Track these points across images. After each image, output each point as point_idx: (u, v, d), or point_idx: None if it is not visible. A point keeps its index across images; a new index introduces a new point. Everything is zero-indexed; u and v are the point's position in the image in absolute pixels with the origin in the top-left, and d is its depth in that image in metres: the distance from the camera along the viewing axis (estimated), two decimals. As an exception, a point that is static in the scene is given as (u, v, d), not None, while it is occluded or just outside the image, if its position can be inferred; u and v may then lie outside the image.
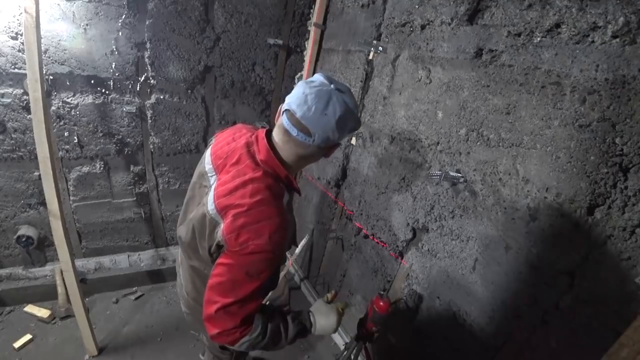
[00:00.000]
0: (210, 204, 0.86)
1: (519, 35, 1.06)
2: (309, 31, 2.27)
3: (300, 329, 0.98)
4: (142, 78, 2.01)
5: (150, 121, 2.14)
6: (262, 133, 0.93)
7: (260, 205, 0.82)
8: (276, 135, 0.90)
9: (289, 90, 2.50)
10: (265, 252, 0.82)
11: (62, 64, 1.80)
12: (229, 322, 0.84)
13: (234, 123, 2.40)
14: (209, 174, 0.95)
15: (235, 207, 0.82)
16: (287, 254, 2.77)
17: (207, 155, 0.99)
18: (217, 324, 0.85)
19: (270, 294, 2.47)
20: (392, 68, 1.60)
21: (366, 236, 1.84)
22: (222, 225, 0.83)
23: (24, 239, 2.07)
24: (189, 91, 2.17)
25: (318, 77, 0.87)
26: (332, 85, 0.83)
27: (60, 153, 2.00)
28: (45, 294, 2.22)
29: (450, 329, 1.37)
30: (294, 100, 0.82)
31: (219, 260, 0.85)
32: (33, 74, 1.32)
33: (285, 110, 0.85)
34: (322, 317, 1.03)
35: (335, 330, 1.04)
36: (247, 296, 0.83)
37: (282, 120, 0.86)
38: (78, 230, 2.28)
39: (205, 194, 0.92)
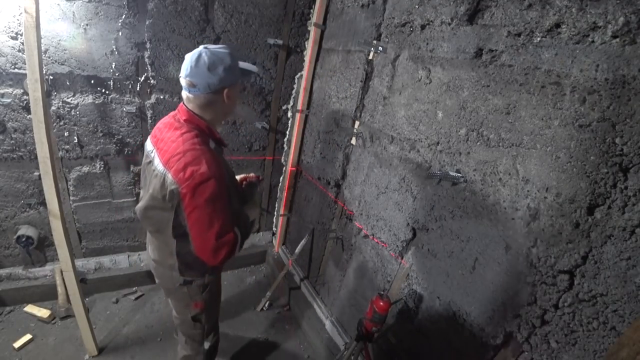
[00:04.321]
0: (158, 164, 1.09)
1: (519, 35, 1.06)
2: (309, 31, 2.27)
3: (246, 223, 1.27)
4: (142, 78, 2.01)
5: (150, 121, 2.14)
6: (181, 104, 1.17)
7: (192, 148, 1.04)
8: (184, 101, 1.15)
9: (289, 90, 2.50)
10: (209, 179, 1.02)
11: (62, 64, 1.80)
12: (226, 244, 1.08)
13: (234, 123, 2.41)
14: (150, 151, 1.18)
15: (175, 156, 1.04)
16: (288, 254, 2.77)
17: (147, 142, 1.24)
18: (222, 249, 1.08)
19: (269, 294, 2.48)
20: (392, 68, 1.60)
21: (366, 236, 1.84)
22: (170, 172, 1.03)
23: (24, 239, 2.07)
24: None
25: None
26: (200, 48, 1.07)
27: (60, 153, 2.00)
28: (45, 294, 2.22)
29: (450, 329, 1.37)
30: (181, 68, 1.09)
31: (186, 214, 1.05)
32: (33, 74, 1.32)
33: (179, 78, 1.10)
34: (251, 211, 1.32)
35: (259, 212, 1.35)
36: (222, 221, 1.06)
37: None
38: (78, 230, 2.28)
39: (152, 163, 1.12)
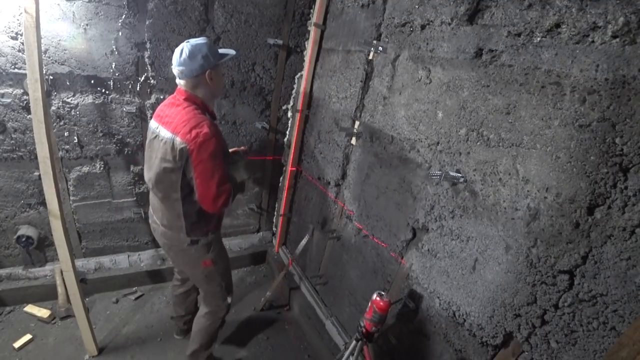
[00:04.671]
0: (165, 133, 1.33)
1: (519, 35, 1.06)
2: (309, 31, 2.27)
3: (235, 182, 1.51)
4: (142, 78, 2.01)
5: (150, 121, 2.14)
6: (178, 88, 1.42)
7: (194, 116, 1.32)
8: (180, 86, 1.42)
9: (288, 90, 2.50)
10: (211, 137, 1.28)
11: (62, 64, 1.80)
12: (224, 192, 1.36)
13: (234, 123, 2.41)
14: (155, 128, 1.41)
15: (181, 122, 1.30)
16: (288, 254, 2.77)
17: (151, 122, 1.47)
18: (221, 196, 1.36)
19: (268, 294, 2.48)
20: (392, 68, 1.60)
21: (366, 236, 1.84)
22: (178, 136, 1.28)
23: (24, 239, 2.07)
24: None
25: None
26: (185, 42, 1.35)
27: (60, 153, 2.00)
28: (45, 294, 2.22)
29: (450, 329, 1.38)
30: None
31: (193, 167, 1.30)
32: (33, 74, 1.32)
33: (172, 68, 1.38)
34: (237, 173, 1.55)
35: (249, 174, 1.61)
36: (222, 173, 1.34)
37: None
38: (78, 230, 2.28)
39: (159, 136, 1.37)
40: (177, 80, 1.40)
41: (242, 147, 1.75)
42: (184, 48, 1.33)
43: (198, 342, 1.76)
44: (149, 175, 1.45)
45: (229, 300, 1.72)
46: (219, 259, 1.62)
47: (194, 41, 1.35)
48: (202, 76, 1.36)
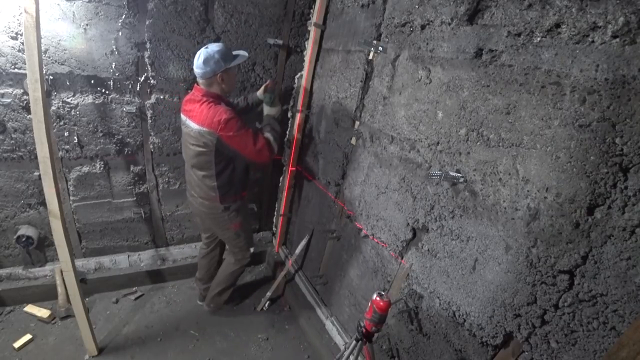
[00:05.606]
0: (194, 125, 1.68)
1: (519, 35, 1.06)
2: (309, 31, 2.27)
3: (274, 123, 1.92)
4: (142, 78, 2.01)
5: (150, 121, 2.14)
6: (196, 85, 1.74)
7: (212, 107, 1.65)
8: (199, 84, 1.75)
9: (289, 90, 2.50)
10: (230, 119, 1.63)
11: (62, 64, 1.80)
12: (262, 146, 1.73)
13: (234, 123, 2.41)
14: (184, 120, 1.77)
15: (204, 116, 1.64)
16: (288, 254, 2.77)
17: (181, 115, 1.82)
18: (262, 150, 1.74)
19: (268, 294, 2.48)
20: (392, 68, 1.60)
21: (366, 236, 1.84)
22: (204, 127, 1.64)
23: (24, 239, 2.08)
24: (189, 91, 2.17)
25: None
26: (203, 47, 1.64)
27: (60, 153, 2.00)
28: (45, 294, 2.22)
29: (450, 329, 1.38)
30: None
31: (229, 145, 1.68)
32: (33, 74, 1.32)
33: (193, 68, 1.69)
34: (269, 111, 1.97)
35: (280, 110, 2.02)
36: (252, 136, 1.71)
37: None
38: (78, 230, 2.28)
39: (188, 127, 1.73)
40: (198, 79, 1.72)
41: (269, 81, 1.99)
42: (201, 54, 1.62)
43: (225, 283, 2.27)
44: (186, 157, 1.85)
45: (252, 250, 2.23)
46: (245, 222, 2.07)
47: (210, 48, 1.62)
48: (214, 77, 1.67)
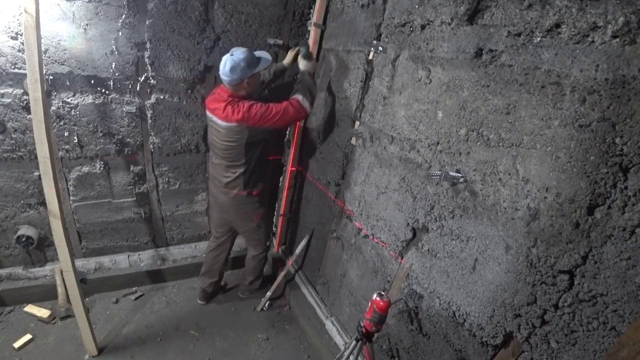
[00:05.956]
0: (221, 122, 1.82)
1: (519, 35, 1.06)
2: (309, 31, 2.27)
3: (307, 79, 1.93)
4: (142, 78, 2.01)
5: (150, 121, 2.14)
6: (222, 86, 1.85)
7: (235, 104, 1.78)
8: (224, 86, 1.84)
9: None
10: (250, 106, 1.76)
11: (62, 64, 1.80)
12: (293, 109, 1.82)
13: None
14: (210, 117, 1.90)
15: (229, 112, 1.77)
16: (288, 254, 2.77)
17: (207, 112, 1.95)
18: (296, 113, 1.83)
19: (268, 294, 2.48)
20: (392, 68, 1.60)
21: (366, 236, 1.84)
22: (232, 122, 1.78)
23: (24, 239, 2.08)
24: (189, 91, 2.17)
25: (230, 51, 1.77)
26: (228, 54, 1.73)
27: (60, 153, 2.00)
28: (45, 294, 2.22)
29: (450, 329, 1.38)
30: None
31: (263, 126, 1.80)
32: (33, 74, 1.32)
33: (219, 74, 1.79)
34: (305, 66, 1.97)
35: (315, 65, 2.08)
36: (275, 109, 1.79)
37: None
38: (78, 230, 2.28)
39: (215, 123, 1.86)
40: (225, 83, 1.81)
41: (295, 50, 2.06)
42: (227, 61, 1.70)
43: (253, 275, 2.48)
44: (214, 150, 2.00)
45: (268, 244, 2.44)
46: (265, 215, 2.24)
47: (235, 55, 1.70)
48: (241, 83, 1.77)
